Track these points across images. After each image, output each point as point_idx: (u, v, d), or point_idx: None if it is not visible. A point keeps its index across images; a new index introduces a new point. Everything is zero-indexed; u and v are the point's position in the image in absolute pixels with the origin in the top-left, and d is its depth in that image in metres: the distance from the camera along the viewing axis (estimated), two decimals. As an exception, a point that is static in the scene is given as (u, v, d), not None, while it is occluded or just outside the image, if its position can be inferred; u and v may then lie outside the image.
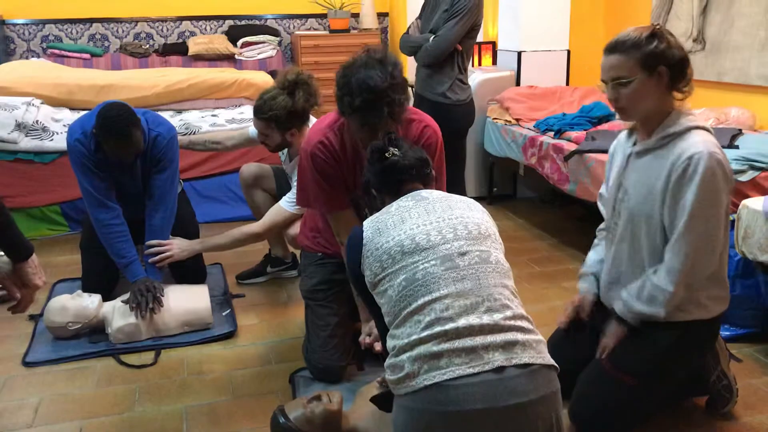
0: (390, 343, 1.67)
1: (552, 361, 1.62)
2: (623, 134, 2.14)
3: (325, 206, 2.36)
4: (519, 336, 1.58)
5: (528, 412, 1.52)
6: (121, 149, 2.67)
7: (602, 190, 2.27)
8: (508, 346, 1.55)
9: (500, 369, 1.52)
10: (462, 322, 1.56)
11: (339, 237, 2.39)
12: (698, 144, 1.85)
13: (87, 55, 5.95)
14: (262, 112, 2.86)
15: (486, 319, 1.57)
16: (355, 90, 2.05)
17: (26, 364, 2.58)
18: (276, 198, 3.18)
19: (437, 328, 1.56)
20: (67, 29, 6.20)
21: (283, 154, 3.14)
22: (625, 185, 2.04)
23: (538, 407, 1.53)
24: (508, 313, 1.61)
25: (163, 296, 2.76)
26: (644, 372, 1.99)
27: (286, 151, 3.09)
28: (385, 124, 2.10)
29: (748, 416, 2.18)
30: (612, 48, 1.93)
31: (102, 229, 2.80)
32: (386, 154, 1.90)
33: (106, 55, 6.09)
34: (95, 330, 2.76)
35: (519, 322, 1.61)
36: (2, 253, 1.59)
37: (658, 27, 1.93)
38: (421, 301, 1.61)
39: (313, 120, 2.94)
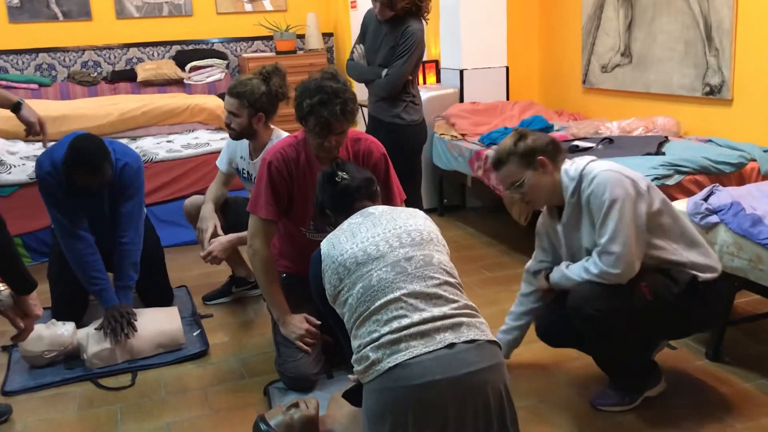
0: (354, 343, 1.87)
1: (493, 337, 1.85)
2: (544, 212, 2.42)
3: (264, 210, 2.57)
4: (464, 319, 1.81)
5: (479, 378, 1.74)
6: (90, 180, 2.78)
7: (530, 264, 2.50)
8: (455, 327, 1.78)
9: (451, 345, 1.75)
10: (416, 316, 1.78)
11: (252, 239, 2.61)
12: (589, 172, 2.18)
13: (35, 86, 5.98)
14: (235, 87, 3.02)
15: (436, 311, 1.80)
16: (312, 91, 2.39)
17: (5, 393, 2.65)
18: (222, 223, 3.32)
19: (395, 324, 1.78)
20: (12, 60, 6.21)
21: (244, 160, 3.26)
22: (576, 244, 2.29)
23: (488, 375, 1.75)
24: (454, 304, 1.84)
25: (136, 321, 2.87)
26: (660, 294, 2.16)
27: (247, 153, 3.23)
28: (338, 123, 2.40)
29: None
30: (496, 164, 2.28)
31: (75, 259, 2.90)
32: (336, 179, 2.15)
33: (54, 84, 6.12)
34: (70, 357, 2.84)
35: (464, 310, 1.84)
36: (1, 288, 1.71)
37: (519, 130, 2.28)
38: (378, 303, 1.82)
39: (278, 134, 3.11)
